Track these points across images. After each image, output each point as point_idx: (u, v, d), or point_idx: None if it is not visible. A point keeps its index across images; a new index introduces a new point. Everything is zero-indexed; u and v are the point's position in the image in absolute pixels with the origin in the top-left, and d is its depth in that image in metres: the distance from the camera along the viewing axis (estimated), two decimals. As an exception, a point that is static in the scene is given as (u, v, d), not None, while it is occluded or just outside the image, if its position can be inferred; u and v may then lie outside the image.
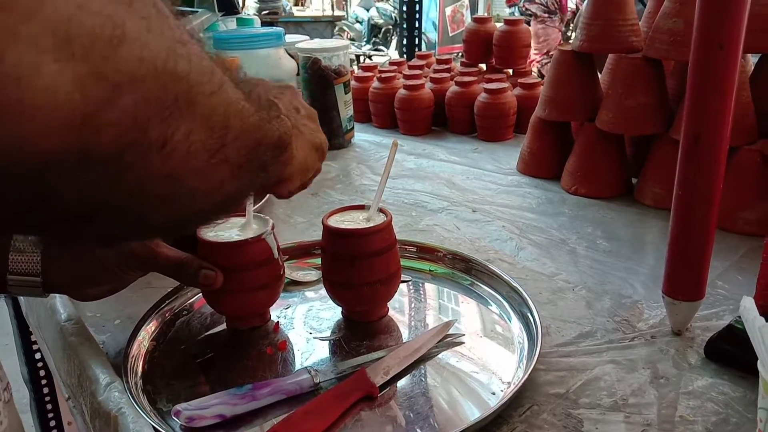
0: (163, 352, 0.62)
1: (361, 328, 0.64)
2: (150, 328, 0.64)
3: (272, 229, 0.62)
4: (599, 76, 1.01)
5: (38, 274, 0.55)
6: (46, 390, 1.32)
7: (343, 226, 0.62)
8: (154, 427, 0.48)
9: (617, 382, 0.55)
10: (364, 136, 1.31)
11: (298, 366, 0.59)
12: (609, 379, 0.56)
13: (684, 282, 0.59)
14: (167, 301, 0.67)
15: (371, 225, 0.62)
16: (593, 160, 0.96)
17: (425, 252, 0.76)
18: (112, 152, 0.27)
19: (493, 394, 0.54)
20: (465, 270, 0.73)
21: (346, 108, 1.22)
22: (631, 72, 0.91)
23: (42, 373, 1.30)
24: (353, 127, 1.27)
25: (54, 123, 0.24)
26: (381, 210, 0.65)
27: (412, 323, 0.66)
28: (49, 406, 1.33)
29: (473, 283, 0.71)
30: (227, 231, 0.62)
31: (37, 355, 1.28)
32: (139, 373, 0.58)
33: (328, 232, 0.63)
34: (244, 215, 0.64)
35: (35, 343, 1.27)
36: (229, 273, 0.60)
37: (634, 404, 0.52)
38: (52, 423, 1.33)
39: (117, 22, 0.26)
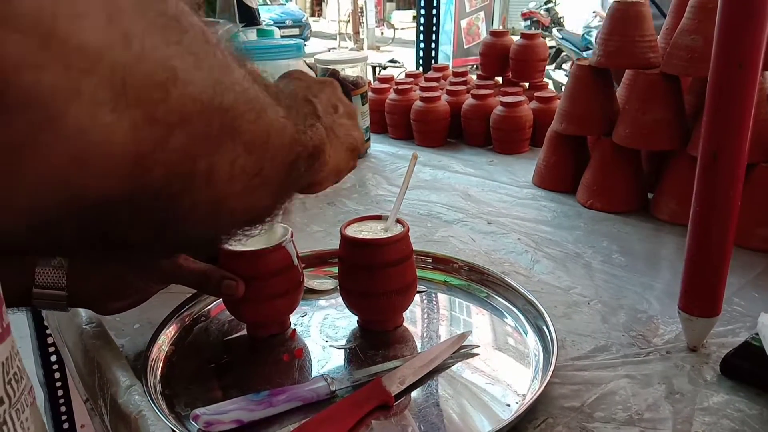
0: (182, 357, 0.63)
1: (377, 338, 0.65)
2: (169, 333, 0.65)
3: (291, 236, 0.63)
4: (616, 90, 1.01)
5: (63, 288, 0.56)
6: (60, 392, 1.34)
7: (361, 236, 0.63)
8: (173, 431, 0.48)
9: (632, 397, 0.55)
10: (380, 147, 1.32)
11: (314, 374, 0.59)
12: (624, 393, 0.56)
13: (700, 298, 0.59)
14: (186, 307, 0.68)
15: (389, 235, 0.63)
16: (609, 175, 0.96)
17: (441, 263, 0.77)
18: (161, 186, 0.28)
19: (508, 406, 0.54)
20: (480, 282, 0.73)
21: (363, 119, 1.23)
22: (649, 88, 0.91)
23: (57, 375, 1.32)
24: (370, 138, 1.28)
25: (110, 168, 0.25)
26: (398, 221, 0.66)
27: (427, 334, 0.67)
28: (63, 408, 1.34)
29: (488, 295, 0.71)
30: (246, 239, 0.63)
31: (53, 358, 1.30)
32: (159, 377, 0.59)
33: (346, 241, 0.63)
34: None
35: (51, 345, 1.29)
36: (250, 281, 0.61)
37: (649, 419, 0.52)
38: (66, 425, 1.35)
39: (168, 64, 0.26)
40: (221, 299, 0.66)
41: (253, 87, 0.33)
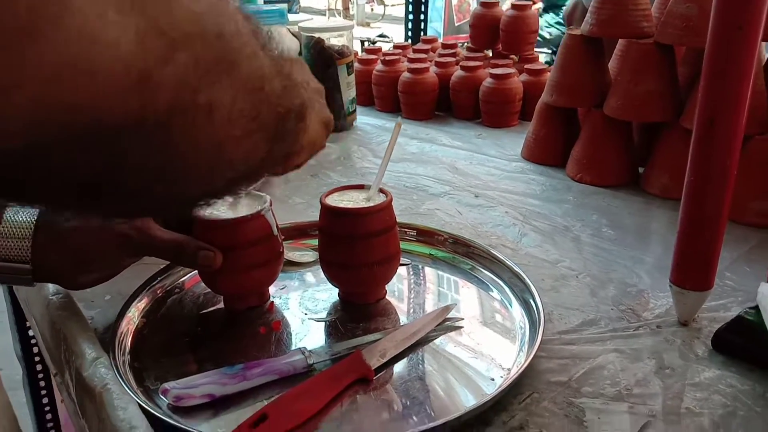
0: (153, 330, 0.60)
1: (358, 311, 0.63)
2: (141, 305, 0.62)
3: (270, 205, 0.60)
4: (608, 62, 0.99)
5: (27, 261, 0.53)
6: (39, 367, 1.30)
7: (342, 205, 0.61)
8: (140, 405, 0.46)
9: (621, 372, 0.53)
10: (366, 120, 1.29)
11: (292, 347, 0.57)
12: (613, 368, 0.54)
13: (693, 271, 0.57)
14: (159, 279, 0.65)
15: (371, 204, 0.60)
16: (600, 148, 0.94)
17: (425, 235, 0.74)
18: (165, 116, 0.27)
19: (492, 380, 0.52)
20: (466, 254, 0.71)
21: (348, 89, 1.19)
22: (642, 58, 0.88)
23: (35, 350, 1.29)
24: (355, 110, 1.25)
25: (116, 80, 0.24)
26: (381, 191, 0.63)
27: (410, 307, 0.64)
28: (42, 383, 1.32)
29: (474, 267, 0.69)
30: (220, 209, 0.60)
31: (31, 332, 1.27)
32: (128, 350, 0.56)
33: (327, 210, 0.61)
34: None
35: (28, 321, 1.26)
36: (228, 251, 0.58)
37: (639, 394, 0.50)
38: (45, 400, 1.32)
39: None
40: (196, 271, 0.63)
41: (247, 27, 0.32)
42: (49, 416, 1.32)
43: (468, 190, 0.92)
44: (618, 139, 0.93)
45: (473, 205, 0.87)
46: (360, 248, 0.60)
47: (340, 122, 1.21)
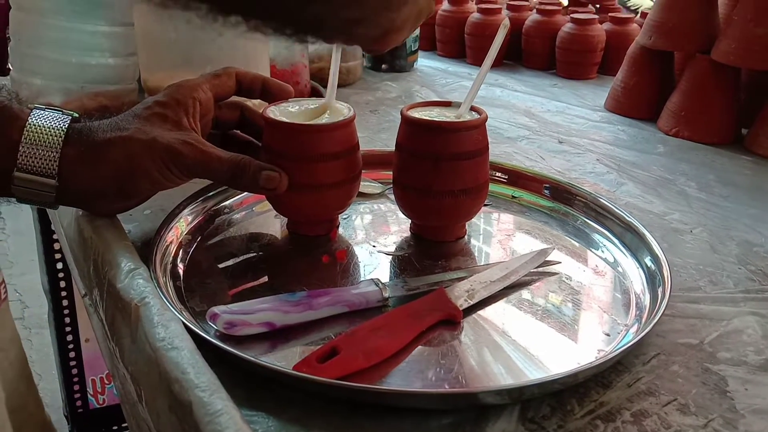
0: (200, 248, 0.52)
1: (435, 248, 0.53)
2: (187, 219, 0.53)
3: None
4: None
5: (54, 176, 0.43)
6: (65, 303, 1.25)
7: (428, 118, 0.51)
8: (184, 324, 0.37)
9: (764, 339, 0.43)
10: (428, 63, 1.18)
11: (361, 278, 0.48)
12: (753, 333, 0.44)
13: None
14: (210, 193, 0.57)
15: (463, 120, 0.51)
16: (703, 99, 0.82)
17: (512, 175, 0.64)
18: None
19: (607, 335, 0.43)
20: (562, 200, 0.60)
21: (413, 26, 1.09)
22: (766, -5, 0.76)
23: (62, 284, 1.23)
24: (417, 50, 1.14)
25: None
26: (474, 108, 0.53)
27: (496, 252, 0.55)
28: (67, 320, 1.26)
29: (567, 212, 0.59)
30: (294, 114, 0.51)
31: (59, 265, 1.21)
32: (170, 267, 0.48)
33: (409, 123, 0.51)
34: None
35: (58, 251, 1.19)
36: (303, 164, 0.49)
37: (795, 366, 0.40)
38: (69, 337, 1.26)
39: None
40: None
41: None
42: (72, 354, 1.26)
43: (549, 134, 0.82)
44: (726, 90, 0.82)
45: (557, 151, 0.77)
46: (446, 172, 0.50)
47: (401, 62, 1.11)
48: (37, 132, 0.43)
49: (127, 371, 0.40)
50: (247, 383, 0.37)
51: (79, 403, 1.30)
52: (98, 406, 1.31)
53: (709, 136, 0.82)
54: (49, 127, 0.44)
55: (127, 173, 0.45)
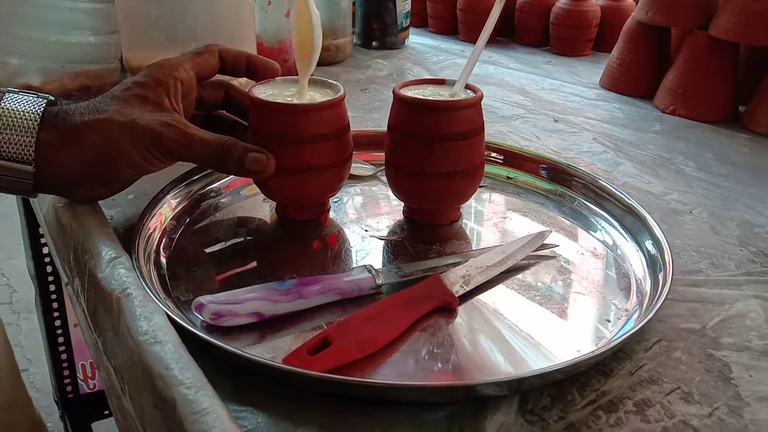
0: (185, 234, 0.50)
1: (429, 232, 0.52)
2: (171, 204, 0.52)
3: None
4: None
5: (30, 162, 0.41)
6: (52, 288, 1.22)
7: (422, 97, 0.49)
8: (168, 316, 0.36)
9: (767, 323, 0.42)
10: (419, 39, 1.16)
11: (353, 265, 0.47)
12: (756, 317, 0.43)
13: None
14: (195, 176, 0.55)
15: (458, 99, 0.49)
16: (700, 76, 0.81)
17: (507, 155, 0.62)
18: None
19: (608, 321, 0.42)
20: (559, 181, 0.59)
21: (403, 1, 1.06)
22: (766, -32, 0.74)
23: (49, 269, 1.21)
24: (408, 27, 1.11)
25: None
26: (469, 87, 0.51)
27: (491, 235, 0.53)
28: (55, 305, 1.24)
29: (564, 194, 0.58)
30: (280, 95, 0.49)
31: (45, 249, 1.18)
32: (153, 254, 0.46)
33: (401, 103, 0.49)
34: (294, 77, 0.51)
35: (43, 236, 1.17)
36: (291, 145, 0.47)
37: (800, 352, 0.39)
38: (57, 323, 1.25)
39: None
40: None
41: None
42: (61, 339, 1.25)
43: (545, 113, 0.80)
44: (724, 67, 0.80)
45: (553, 130, 0.75)
46: (440, 152, 0.48)
47: (392, 39, 1.09)
48: (10, 116, 0.41)
49: (111, 364, 0.38)
50: (234, 376, 0.35)
51: (69, 388, 1.28)
52: (89, 391, 1.30)
53: (706, 114, 0.80)
54: (23, 111, 0.41)
55: (106, 157, 0.43)
